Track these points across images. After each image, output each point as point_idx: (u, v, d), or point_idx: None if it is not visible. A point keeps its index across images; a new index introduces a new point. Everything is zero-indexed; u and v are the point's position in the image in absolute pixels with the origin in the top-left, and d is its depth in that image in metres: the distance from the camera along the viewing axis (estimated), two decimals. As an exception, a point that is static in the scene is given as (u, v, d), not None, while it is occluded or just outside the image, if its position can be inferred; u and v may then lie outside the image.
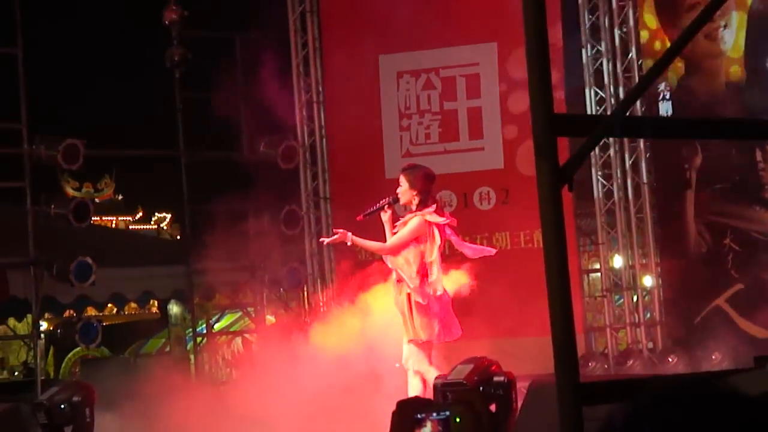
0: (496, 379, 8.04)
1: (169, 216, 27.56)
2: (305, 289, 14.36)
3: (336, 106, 14.32)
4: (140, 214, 27.88)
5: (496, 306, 11.88)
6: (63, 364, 20.38)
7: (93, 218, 14.33)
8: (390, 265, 9.20)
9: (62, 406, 9.61)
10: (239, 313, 17.39)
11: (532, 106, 2.79)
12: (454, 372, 8.04)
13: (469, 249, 9.42)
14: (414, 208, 9.07)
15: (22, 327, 17.65)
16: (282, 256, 14.60)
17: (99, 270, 13.29)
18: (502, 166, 13.64)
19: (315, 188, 14.45)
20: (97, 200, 25.07)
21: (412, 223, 9.01)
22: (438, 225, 9.02)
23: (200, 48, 15.01)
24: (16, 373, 20.48)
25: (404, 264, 9.04)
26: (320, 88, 14.42)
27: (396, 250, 9.02)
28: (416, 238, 9.01)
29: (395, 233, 9.09)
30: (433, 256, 8.99)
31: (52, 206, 13.37)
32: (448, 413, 2.39)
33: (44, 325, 15.48)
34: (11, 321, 17.87)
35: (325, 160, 14.40)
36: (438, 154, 13.83)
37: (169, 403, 10.93)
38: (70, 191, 25.17)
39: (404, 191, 9.10)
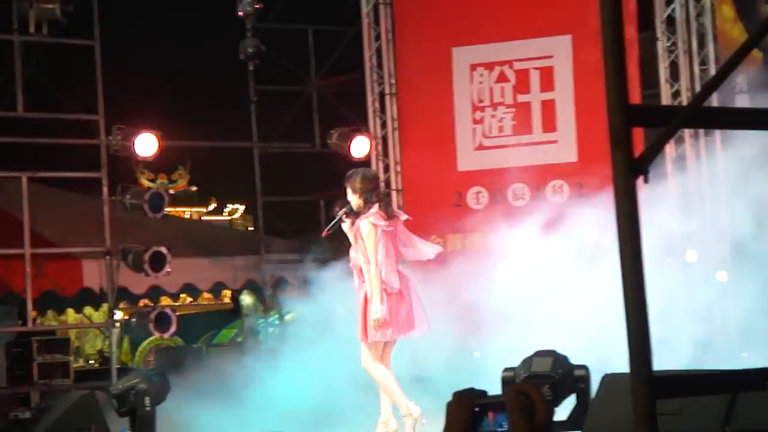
0: (577, 372, 8.04)
1: (242, 207, 27.70)
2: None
3: (408, 98, 14.31)
4: (213, 205, 28.05)
5: (570, 298, 11.81)
6: (137, 353, 20.59)
7: (167, 209, 14.45)
8: (352, 266, 9.68)
9: (130, 394, 9.71)
10: (311, 304, 17.43)
11: (607, 97, 2.77)
12: (534, 365, 8.03)
13: (423, 249, 9.92)
14: (364, 209, 9.51)
15: (98, 316, 17.86)
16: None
17: (172, 260, 13.41)
18: (576, 159, 13.56)
19: (387, 180, 14.46)
20: (171, 191, 25.25)
21: (363, 230, 9.44)
22: (382, 224, 9.45)
23: (274, 40, 15.08)
24: (91, 362, 20.72)
25: (365, 263, 9.46)
26: (393, 80, 14.42)
27: (379, 262, 9.40)
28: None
29: (357, 239, 9.50)
30: (380, 257, 9.38)
31: (128, 197, 13.51)
32: (504, 405, 2.36)
33: (119, 315, 15.63)
34: (88, 310, 18.08)
35: (397, 153, 14.40)
36: (511, 147, 13.79)
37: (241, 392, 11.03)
38: (145, 182, 25.37)
39: (351, 197, 9.59)
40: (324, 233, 9.92)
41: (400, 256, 9.70)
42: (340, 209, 9.69)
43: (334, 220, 9.69)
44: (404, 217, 9.94)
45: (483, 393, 2.42)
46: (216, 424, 10.48)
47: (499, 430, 2.39)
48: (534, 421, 2.36)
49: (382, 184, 13.44)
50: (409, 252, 9.86)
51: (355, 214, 9.60)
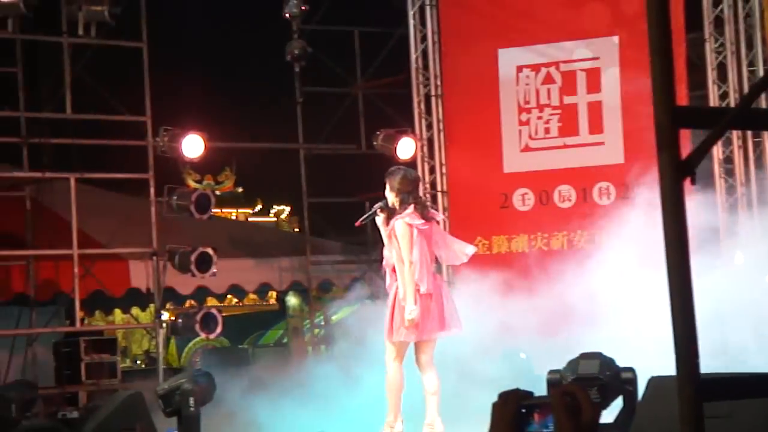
0: (624, 375, 8.01)
1: (288, 209, 27.79)
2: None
3: (454, 99, 14.29)
4: (259, 206, 28.15)
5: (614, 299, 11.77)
6: (184, 354, 20.69)
7: (213, 210, 14.52)
8: (384, 264, 9.72)
9: (176, 394, 9.76)
10: (356, 305, 17.47)
11: (654, 98, 2.76)
12: (581, 367, 8.01)
13: (456, 251, 9.96)
14: (398, 208, 9.56)
15: (145, 317, 17.96)
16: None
17: (218, 261, 13.47)
18: (623, 161, 13.50)
19: (432, 181, 14.46)
20: (217, 192, 25.38)
21: (398, 230, 9.48)
22: (417, 225, 9.48)
23: (320, 42, 15.12)
24: (138, 362, 20.85)
25: (398, 262, 9.50)
26: (438, 82, 14.41)
27: (411, 258, 9.44)
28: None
29: (392, 238, 9.55)
30: (414, 256, 9.42)
31: (175, 198, 13.58)
32: (548, 405, 2.36)
33: (166, 315, 15.72)
34: (135, 310, 18.19)
35: (443, 154, 14.39)
36: (557, 149, 13.75)
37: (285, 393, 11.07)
38: (192, 183, 25.49)
39: (388, 194, 9.64)
40: (358, 223, 10.00)
41: (434, 257, 9.72)
42: (378, 204, 9.74)
43: (369, 213, 9.76)
44: (440, 217, 9.98)
45: (529, 394, 2.41)
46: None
47: (545, 431, 2.38)
48: (580, 421, 2.36)
49: (422, 187, 13.52)
50: (443, 255, 9.89)
51: (390, 210, 9.65)
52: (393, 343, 9.58)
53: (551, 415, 2.36)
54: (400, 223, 9.50)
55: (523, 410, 2.37)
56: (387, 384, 9.66)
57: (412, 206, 9.55)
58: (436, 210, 10.23)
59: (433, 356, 9.69)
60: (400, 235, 9.48)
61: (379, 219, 9.66)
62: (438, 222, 9.96)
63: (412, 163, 14.39)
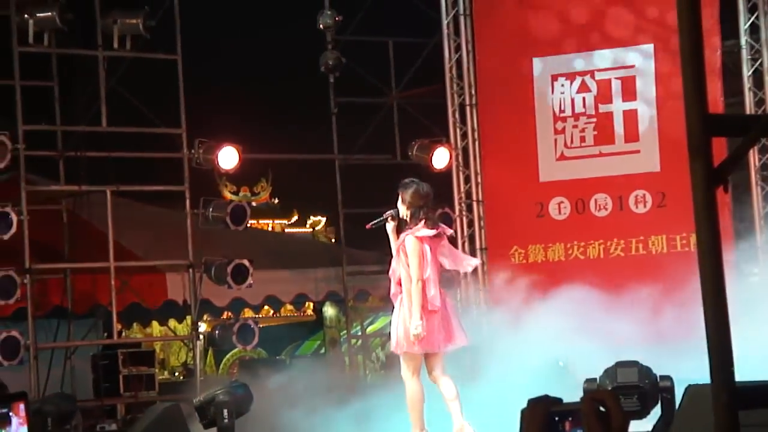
0: (662, 383, 7.98)
1: (324, 219, 27.82)
2: (458, 291, 14.35)
3: (489, 108, 14.27)
4: (296, 217, 28.19)
5: (651, 310, 11.73)
6: (221, 365, 20.74)
7: (250, 221, 14.55)
8: (390, 274, 9.76)
9: (211, 406, 9.80)
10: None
11: (686, 106, 2.75)
12: (620, 375, 7.98)
13: (462, 263, 10.16)
14: (408, 221, 9.65)
15: (182, 329, 18.01)
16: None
17: (254, 272, 13.50)
18: (659, 169, 13.44)
19: (468, 191, 14.44)
20: (253, 204, 25.43)
21: (409, 245, 9.55)
22: (427, 240, 9.56)
23: (354, 52, 15.14)
24: (176, 374, 20.91)
25: (407, 280, 9.54)
26: (473, 91, 14.39)
27: (420, 276, 9.51)
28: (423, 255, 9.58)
29: (405, 253, 9.58)
30: (427, 273, 9.50)
31: (210, 209, 13.62)
32: (578, 412, 2.35)
33: (203, 327, 15.76)
34: (172, 322, 18.25)
35: (478, 163, 14.37)
36: (593, 157, 13.71)
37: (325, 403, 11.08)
38: (228, 195, 25.57)
39: (400, 206, 9.72)
40: (368, 226, 10.08)
41: (440, 270, 9.78)
42: (390, 212, 9.83)
43: (380, 219, 9.84)
44: (449, 232, 10.06)
45: (558, 400, 2.40)
46: None
47: None
48: (610, 428, 2.34)
49: (456, 203, 13.56)
50: (447, 261, 9.89)
51: (399, 220, 9.75)
52: (405, 356, 9.65)
53: (581, 426, 2.35)
54: (410, 239, 9.57)
55: (555, 418, 2.36)
56: (409, 399, 9.71)
57: (422, 222, 9.61)
58: (447, 226, 10.27)
59: (444, 366, 9.74)
60: (410, 252, 9.54)
61: (390, 226, 9.76)
62: (446, 236, 9.97)
63: (447, 173, 14.40)
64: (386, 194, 15.50)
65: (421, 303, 9.47)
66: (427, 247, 9.58)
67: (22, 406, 3.28)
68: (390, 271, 9.86)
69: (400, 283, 9.69)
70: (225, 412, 9.68)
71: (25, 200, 12.60)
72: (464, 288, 14.30)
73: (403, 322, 9.58)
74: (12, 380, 13.23)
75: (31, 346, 12.57)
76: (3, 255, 12.57)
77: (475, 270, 14.07)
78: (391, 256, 9.82)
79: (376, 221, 9.91)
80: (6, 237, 12.15)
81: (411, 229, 9.61)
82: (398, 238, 9.70)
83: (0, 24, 13.08)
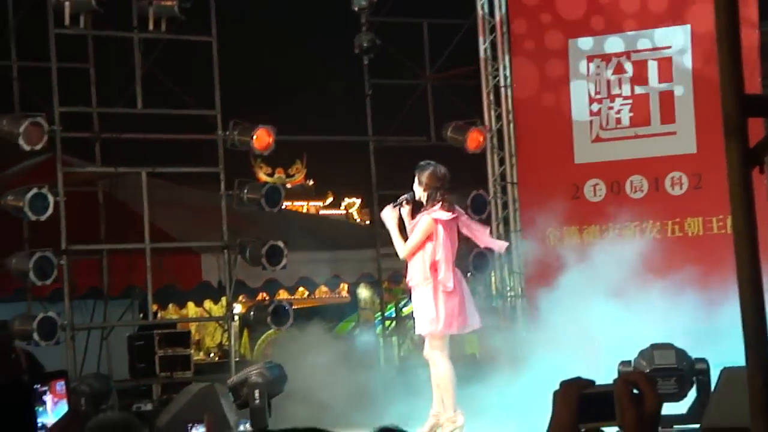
0: (698, 365, 7.96)
1: (358, 201, 27.86)
2: (492, 274, 14.34)
3: (524, 90, 14.23)
4: (330, 199, 28.24)
5: (686, 292, 11.68)
6: (256, 346, 20.82)
7: (284, 203, 14.56)
8: (407, 260, 9.90)
9: (244, 387, 9.85)
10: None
11: (721, 86, 2.73)
12: (657, 357, 7.97)
13: (481, 239, 10.26)
14: (425, 203, 9.80)
15: (218, 310, 18.09)
16: (469, 241, 14.60)
17: (289, 254, 13.52)
18: (695, 151, 13.37)
19: (502, 173, 14.41)
20: (288, 185, 25.47)
21: (421, 224, 9.74)
22: (443, 222, 9.71)
23: (388, 34, 15.11)
24: (211, 355, 21.00)
25: (420, 261, 9.72)
26: (507, 73, 14.35)
27: (410, 254, 9.78)
28: (428, 237, 9.74)
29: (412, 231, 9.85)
30: (439, 255, 9.66)
31: (245, 191, 13.64)
32: (611, 394, 2.34)
33: (238, 308, 15.80)
34: (207, 304, 18.33)
35: (513, 145, 14.33)
36: (628, 139, 13.66)
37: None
38: (263, 177, 25.64)
39: (416, 188, 9.89)
40: (382, 212, 10.22)
41: (455, 251, 9.91)
42: (405, 196, 10.01)
43: (396, 202, 10.01)
44: (464, 216, 10.16)
45: (591, 382, 2.39)
46: None
47: (608, 421, 2.36)
48: (643, 411, 2.33)
49: (482, 192, 13.66)
50: (473, 236, 10.13)
51: (414, 203, 9.91)
52: (428, 337, 9.79)
53: (608, 401, 2.34)
54: (425, 218, 9.75)
55: (588, 400, 2.34)
56: (441, 379, 9.79)
57: (439, 203, 9.73)
58: (480, 208, 10.37)
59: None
60: (419, 229, 9.73)
61: (405, 210, 9.89)
62: (462, 217, 10.11)
63: (481, 155, 14.37)
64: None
65: (394, 243, 9.83)
66: (441, 230, 9.70)
67: (61, 383, 3.31)
68: None
69: (434, 268, 9.76)
70: (257, 392, 9.72)
71: (61, 182, 12.66)
72: (498, 270, 14.28)
73: (423, 303, 9.72)
74: (49, 360, 13.34)
75: (67, 327, 12.64)
76: (40, 236, 12.64)
77: (509, 253, 14.09)
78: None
79: (393, 204, 10.03)
80: (43, 218, 12.22)
81: (427, 210, 9.74)
82: (413, 219, 9.86)
83: (36, 6, 13.14)
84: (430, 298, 9.70)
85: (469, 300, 9.95)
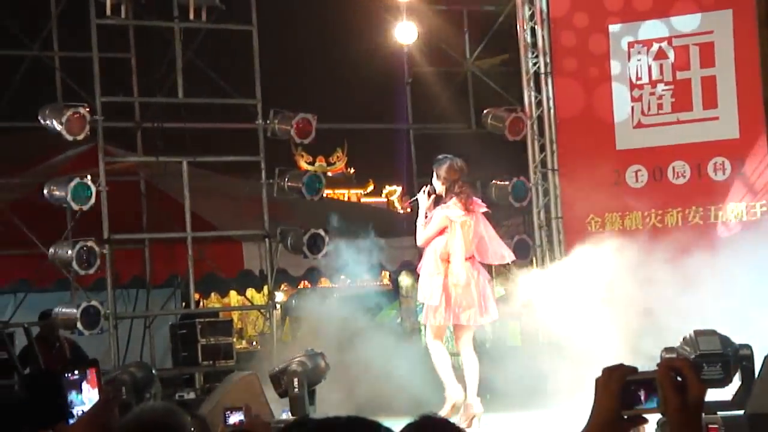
0: (742, 352, 7.92)
1: (399, 189, 27.84)
2: (533, 261, 14.29)
3: (564, 77, 14.17)
4: (371, 187, 28.24)
5: (730, 278, 11.61)
6: (298, 335, 20.85)
7: (326, 191, 14.56)
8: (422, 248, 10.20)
9: (284, 376, 9.89)
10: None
11: (762, 71, 2.70)
12: (701, 344, 7.93)
13: (495, 252, 10.31)
14: (444, 196, 10.03)
15: (260, 298, 18.13)
16: (510, 228, 14.59)
17: (330, 242, 13.52)
18: (738, 136, 13.27)
19: (543, 160, 14.35)
20: (329, 173, 25.51)
21: (435, 218, 9.99)
22: (455, 219, 9.91)
23: (428, 21, 15.08)
24: (254, 343, 21.05)
25: (432, 252, 9.99)
26: (547, 59, 14.28)
27: (425, 244, 10.09)
28: (441, 230, 9.98)
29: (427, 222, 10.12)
30: (452, 247, 9.90)
31: (286, 180, 13.66)
32: (654, 381, 2.33)
33: (280, 296, 15.83)
34: (250, 292, 18.38)
35: (553, 132, 14.27)
36: (671, 125, 13.58)
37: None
38: (304, 165, 25.66)
39: (435, 181, 10.11)
40: (407, 203, 10.69)
41: (470, 248, 10.04)
42: (425, 188, 10.22)
43: (415, 196, 10.31)
44: (483, 209, 10.23)
45: (633, 369, 2.38)
46: None
47: (651, 407, 2.35)
48: (687, 398, 2.32)
49: (524, 179, 13.70)
50: (479, 253, 10.19)
51: (433, 196, 10.09)
52: (428, 325, 10.11)
53: (655, 393, 2.33)
54: (438, 212, 9.98)
55: (631, 386, 2.34)
56: (435, 361, 10.08)
57: (455, 197, 9.92)
58: (480, 201, 10.36)
59: (472, 340, 10.32)
60: (434, 222, 9.97)
61: (424, 204, 10.08)
62: (481, 213, 10.21)
63: (522, 142, 14.32)
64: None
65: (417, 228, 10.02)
66: (456, 225, 9.90)
67: (93, 372, 3.33)
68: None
69: (472, 259, 10.03)
70: (296, 381, 9.74)
71: (103, 171, 12.73)
72: (539, 257, 14.23)
73: (430, 293, 10.03)
74: (93, 350, 13.43)
75: (110, 316, 12.72)
76: (83, 226, 12.71)
77: (550, 240, 14.05)
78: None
79: (412, 200, 10.40)
80: (86, 208, 12.29)
81: (444, 203, 9.97)
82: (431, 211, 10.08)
83: (78, -4, 13.21)
84: (438, 289, 9.94)
85: (486, 292, 10.11)
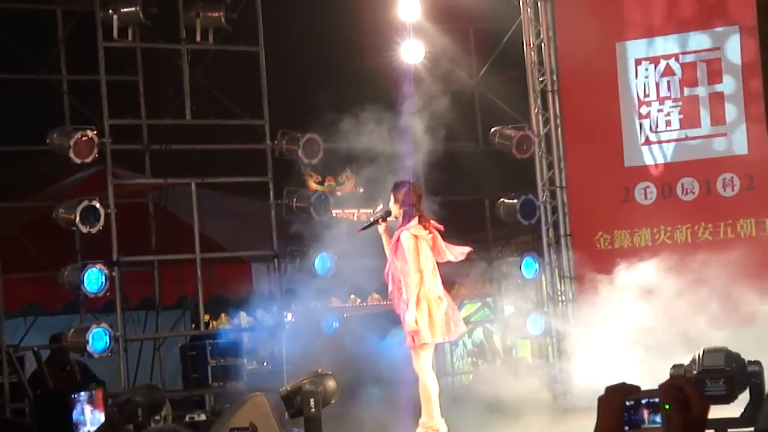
0: (750, 368, 7.89)
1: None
2: (543, 278, 14.28)
3: (571, 94, 14.17)
4: (381, 206, 28.18)
5: (738, 294, 11.60)
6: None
7: (335, 211, 14.57)
8: (385, 273, 10.20)
9: (297, 396, 9.88)
10: (479, 303, 17.43)
11: (763, 86, 2.70)
12: (706, 360, 7.91)
13: (452, 253, 10.27)
14: (401, 220, 10.04)
15: (269, 318, 18.10)
16: (519, 245, 14.58)
17: (339, 262, 13.53)
18: (747, 152, 13.25)
19: (551, 177, 14.34)
20: (338, 193, 25.46)
21: (404, 241, 9.94)
22: (421, 237, 9.94)
23: (435, 41, 15.09)
24: (265, 363, 21.01)
25: (401, 273, 9.96)
26: (555, 77, 14.29)
27: (418, 268, 9.91)
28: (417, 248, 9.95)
29: (398, 249, 10.02)
30: (422, 265, 9.89)
31: (294, 200, 13.68)
32: (657, 400, 2.32)
33: (289, 317, 15.76)
34: (259, 312, 18.35)
35: (561, 149, 14.26)
36: (679, 141, 13.57)
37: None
38: (313, 185, 25.61)
39: (392, 206, 10.15)
40: (359, 230, 10.72)
41: (437, 263, 10.12)
42: (380, 213, 10.40)
43: (370, 221, 10.38)
44: (440, 229, 10.28)
45: (636, 387, 2.38)
46: None
47: (654, 425, 2.35)
48: (690, 416, 2.31)
49: (532, 197, 13.70)
50: (439, 258, 10.21)
51: (388, 220, 10.14)
52: (415, 350, 9.99)
53: (658, 411, 2.32)
54: (405, 235, 9.95)
55: (631, 404, 2.33)
56: (428, 390, 10.01)
57: (416, 219, 9.95)
58: (437, 222, 10.37)
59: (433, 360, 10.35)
60: (406, 247, 9.92)
61: (381, 228, 10.15)
62: (437, 231, 10.24)
63: (530, 159, 14.32)
64: (469, 182, 15.47)
65: (416, 295, 9.85)
66: (423, 242, 9.92)
67: (99, 393, 3.34)
68: (385, 270, 10.22)
69: (394, 280, 10.07)
70: (312, 402, 9.73)
71: (112, 194, 12.76)
72: (548, 274, 14.21)
73: (417, 315, 9.91)
74: (103, 372, 13.43)
75: (120, 338, 12.72)
76: (92, 248, 12.73)
77: (559, 257, 14.03)
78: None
79: (367, 225, 10.39)
80: (94, 231, 12.31)
81: (404, 226, 9.95)
82: (390, 237, 10.08)
83: (85, 20, 13.25)
84: (424, 310, 9.90)
85: (452, 306, 10.22)
